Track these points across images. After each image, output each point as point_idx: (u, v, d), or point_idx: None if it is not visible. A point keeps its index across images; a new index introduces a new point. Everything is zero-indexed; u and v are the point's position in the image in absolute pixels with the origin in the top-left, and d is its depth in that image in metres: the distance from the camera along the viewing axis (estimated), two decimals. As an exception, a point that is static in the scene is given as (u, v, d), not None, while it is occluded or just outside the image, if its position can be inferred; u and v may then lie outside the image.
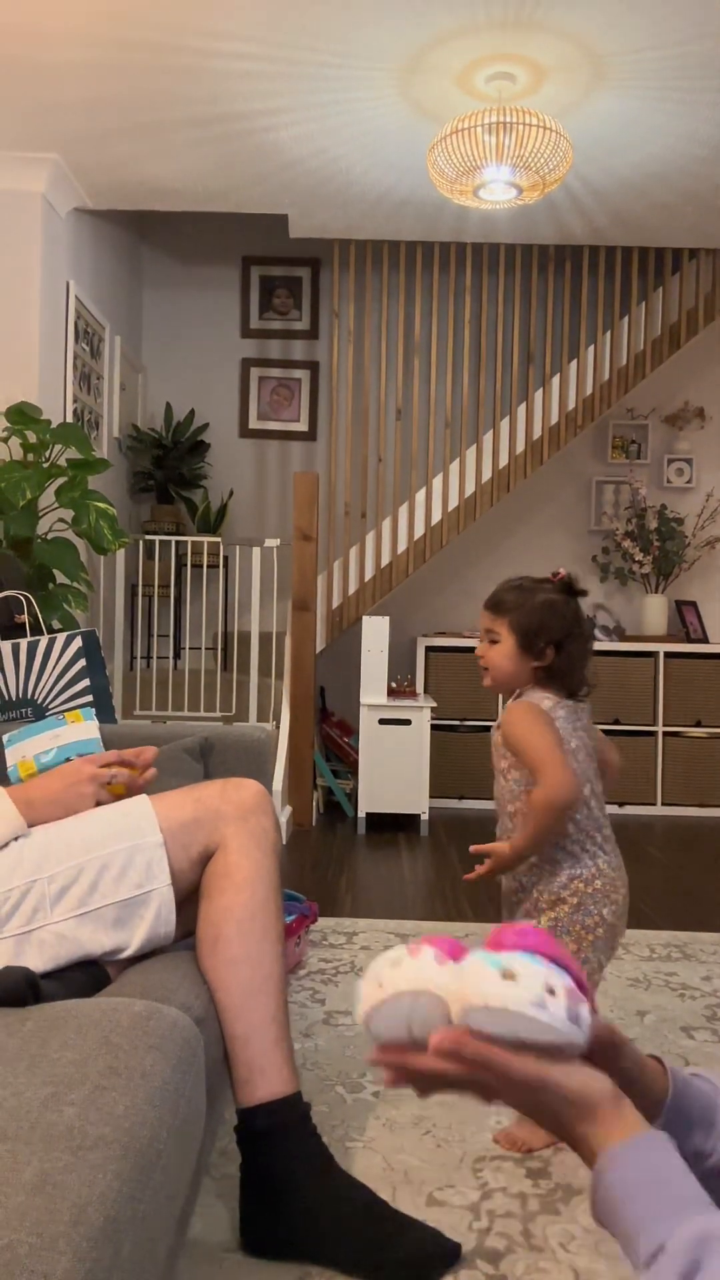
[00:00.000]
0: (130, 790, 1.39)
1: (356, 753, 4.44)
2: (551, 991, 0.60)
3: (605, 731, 4.98)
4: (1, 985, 1.06)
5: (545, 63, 2.97)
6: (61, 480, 3.37)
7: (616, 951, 1.65)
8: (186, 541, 4.78)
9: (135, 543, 4.77)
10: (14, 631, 2.71)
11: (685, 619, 4.93)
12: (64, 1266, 0.66)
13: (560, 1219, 1.38)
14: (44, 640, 2.32)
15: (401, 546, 4.48)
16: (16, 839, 1.28)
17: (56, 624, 3.14)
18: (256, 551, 4.27)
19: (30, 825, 1.30)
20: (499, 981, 0.60)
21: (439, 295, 4.57)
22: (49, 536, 3.38)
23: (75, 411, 4.07)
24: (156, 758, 1.47)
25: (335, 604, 4.47)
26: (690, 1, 2.67)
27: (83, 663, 2.30)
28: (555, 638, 1.60)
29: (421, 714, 4.07)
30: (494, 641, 1.62)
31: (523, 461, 4.51)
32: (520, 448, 4.51)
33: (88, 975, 1.22)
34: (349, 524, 4.52)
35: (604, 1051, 0.66)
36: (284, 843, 3.85)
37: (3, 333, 3.70)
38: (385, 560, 4.48)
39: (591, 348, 4.52)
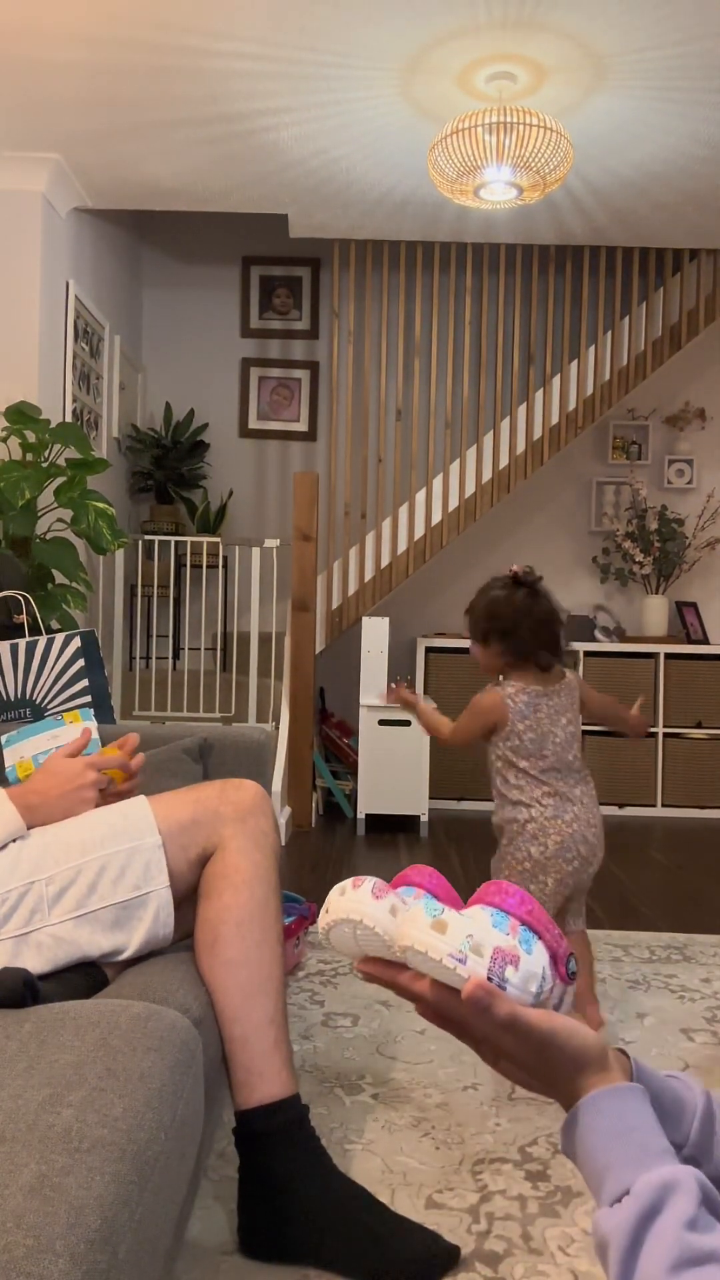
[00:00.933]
0: (124, 775, 1.41)
1: (356, 754, 4.44)
2: (478, 950, 0.64)
3: (605, 733, 4.93)
4: (0, 986, 1.06)
5: (546, 63, 2.97)
6: (60, 480, 3.36)
7: (556, 889, 1.92)
8: (186, 541, 4.77)
9: (134, 543, 4.77)
10: (13, 631, 2.71)
11: (685, 620, 4.93)
12: (60, 1269, 0.66)
13: (560, 1222, 1.38)
14: (42, 640, 2.32)
15: (401, 547, 4.47)
16: (15, 840, 1.27)
17: (55, 624, 3.14)
18: (256, 552, 4.26)
19: (29, 827, 1.30)
20: (428, 930, 0.65)
21: (439, 295, 4.57)
22: (48, 536, 3.37)
23: (74, 411, 4.07)
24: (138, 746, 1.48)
25: (335, 604, 4.46)
26: (691, 2, 2.67)
27: (81, 663, 2.30)
28: (502, 627, 1.92)
29: (421, 715, 4.06)
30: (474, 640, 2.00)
31: (523, 462, 4.51)
32: (520, 448, 4.51)
33: (86, 977, 1.21)
34: (349, 524, 4.52)
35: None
36: (283, 844, 3.85)
37: (2, 332, 3.70)
38: (385, 561, 4.48)
39: (592, 348, 4.52)
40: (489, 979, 0.64)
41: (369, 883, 0.74)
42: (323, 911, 0.75)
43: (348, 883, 0.75)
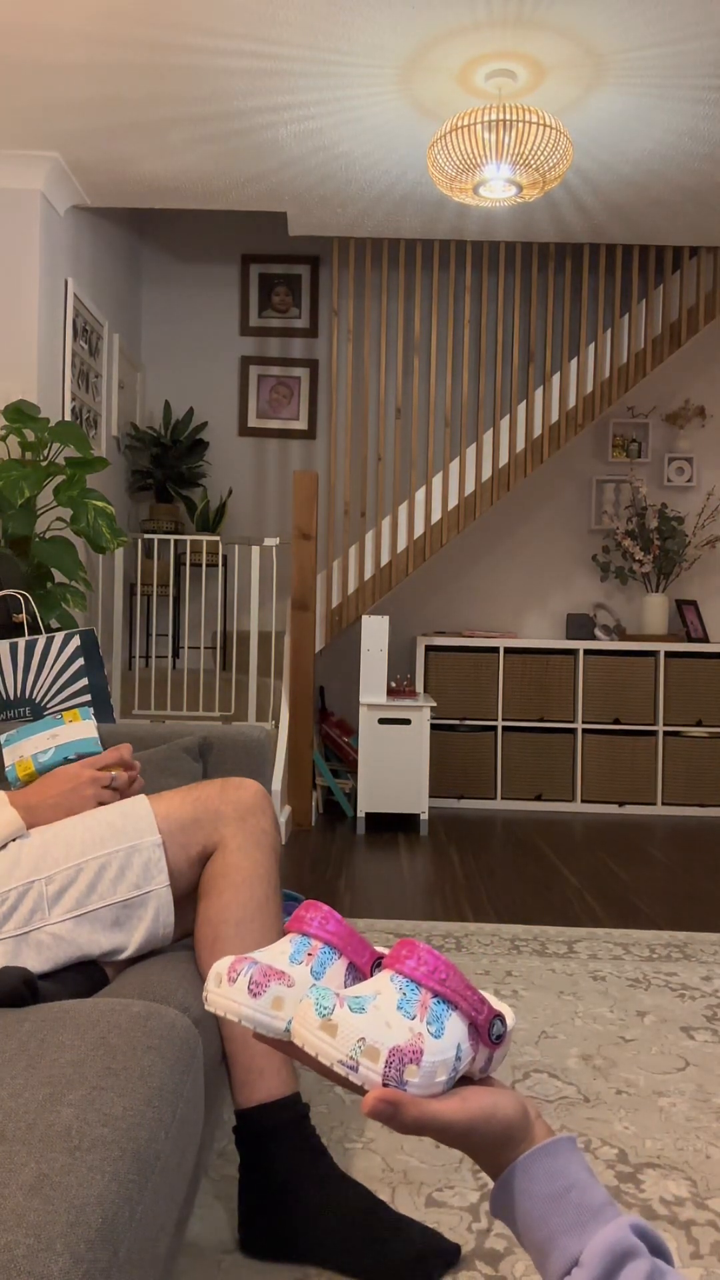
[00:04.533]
0: (124, 792, 1.40)
1: (356, 752, 4.44)
2: (372, 1054, 0.59)
3: (606, 731, 4.96)
4: (0, 985, 1.06)
5: (546, 60, 2.97)
6: (60, 479, 3.36)
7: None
8: (185, 540, 4.77)
9: (134, 542, 4.76)
10: (12, 630, 2.71)
11: (686, 618, 4.93)
12: (61, 1268, 0.65)
13: (560, 1219, 1.38)
14: (42, 639, 2.32)
15: (401, 545, 4.47)
16: (15, 840, 1.27)
17: (55, 623, 3.13)
18: (255, 550, 4.26)
19: (29, 828, 1.30)
20: (316, 1031, 0.60)
21: (439, 293, 4.56)
22: (47, 535, 3.37)
23: (74, 410, 4.06)
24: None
25: (335, 603, 4.46)
26: (691, -1, 2.67)
27: (81, 662, 2.29)
28: None
29: (421, 713, 4.06)
30: None
31: (523, 460, 4.51)
32: (520, 446, 4.50)
33: (86, 975, 1.21)
34: (348, 523, 4.52)
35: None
36: (283, 842, 3.85)
37: (1, 330, 3.70)
38: (385, 559, 4.48)
39: (592, 346, 4.52)
40: (385, 1085, 0.59)
41: (246, 973, 0.68)
42: (205, 989, 0.71)
43: (224, 969, 0.69)
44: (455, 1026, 0.62)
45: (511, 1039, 0.68)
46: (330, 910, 0.73)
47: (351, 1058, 0.59)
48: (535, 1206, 0.60)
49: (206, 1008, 0.71)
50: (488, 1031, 0.64)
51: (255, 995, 0.66)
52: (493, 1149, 0.62)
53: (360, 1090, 0.60)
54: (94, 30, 2.85)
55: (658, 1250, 0.58)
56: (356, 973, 0.71)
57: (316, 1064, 0.62)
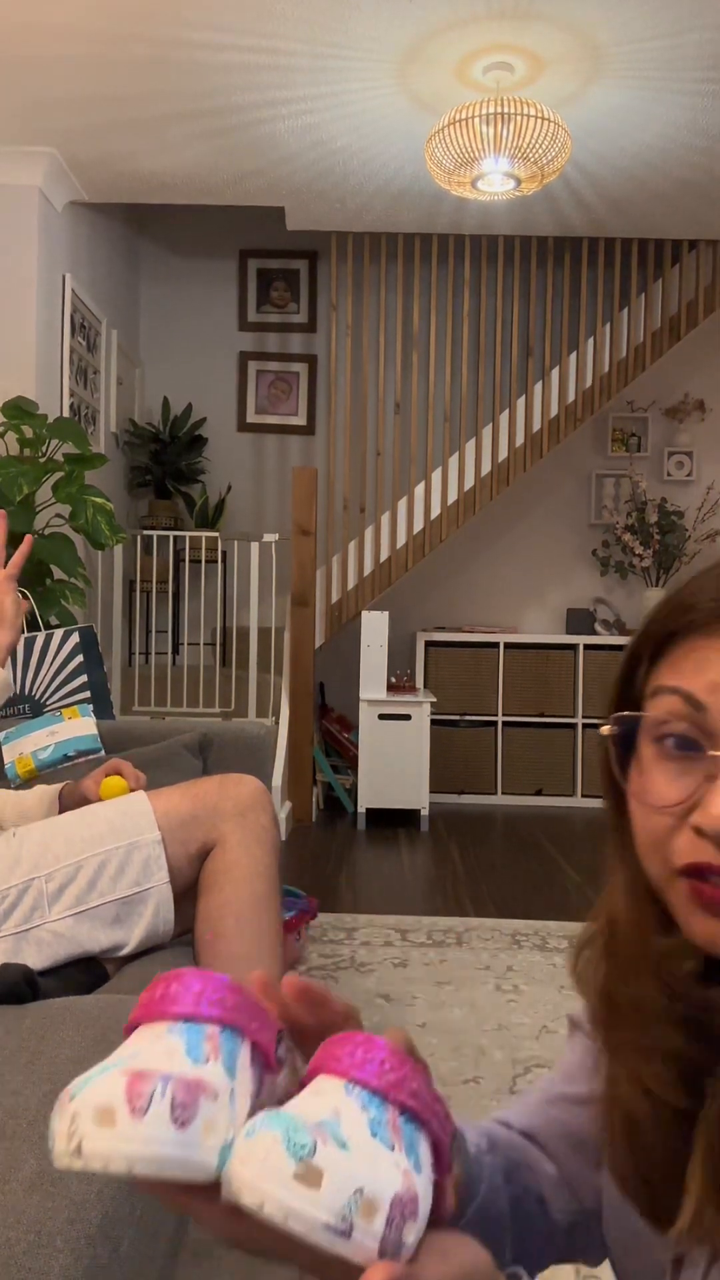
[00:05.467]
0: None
1: (356, 748, 4.44)
2: (370, 1209, 0.38)
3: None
4: (0, 982, 1.06)
5: (544, 53, 2.96)
6: (58, 475, 3.36)
7: None
8: (184, 537, 4.76)
9: (133, 538, 4.76)
10: (12, 627, 2.70)
11: (685, 612, 4.92)
12: (61, 1264, 0.66)
13: (561, 1214, 1.38)
14: (41, 636, 2.32)
15: (401, 541, 4.47)
16: (15, 835, 1.27)
17: (54, 620, 3.13)
18: (255, 546, 4.26)
19: None
20: (291, 1183, 0.38)
21: (437, 288, 4.55)
22: (46, 532, 3.37)
23: (72, 406, 4.06)
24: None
25: (334, 599, 4.46)
26: (689, -9, 2.66)
27: (80, 659, 2.29)
28: None
29: (421, 709, 4.06)
30: None
31: (522, 455, 4.50)
32: (520, 441, 4.50)
33: (86, 972, 1.21)
34: (348, 518, 4.51)
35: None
36: (283, 839, 3.85)
37: (-1, 327, 3.69)
38: (384, 555, 4.47)
39: (591, 340, 4.51)
40: (381, 1251, 0.38)
41: (163, 1093, 0.40)
42: (62, 1136, 0.40)
43: (117, 1095, 0.40)
44: (426, 1152, 0.42)
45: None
46: (206, 972, 0.45)
47: (345, 1219, 0.38)
48: None
49: (75, 1164, 0.40)
50: (448, 1152, 0.44)
51: (183, 1125, 0.39)
52: None
53: (333, 1262, 0.39)
54: (91, 26, 2.84)
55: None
56: (262, 1060, 0.45)
57: (274, 1235, 0.38)
